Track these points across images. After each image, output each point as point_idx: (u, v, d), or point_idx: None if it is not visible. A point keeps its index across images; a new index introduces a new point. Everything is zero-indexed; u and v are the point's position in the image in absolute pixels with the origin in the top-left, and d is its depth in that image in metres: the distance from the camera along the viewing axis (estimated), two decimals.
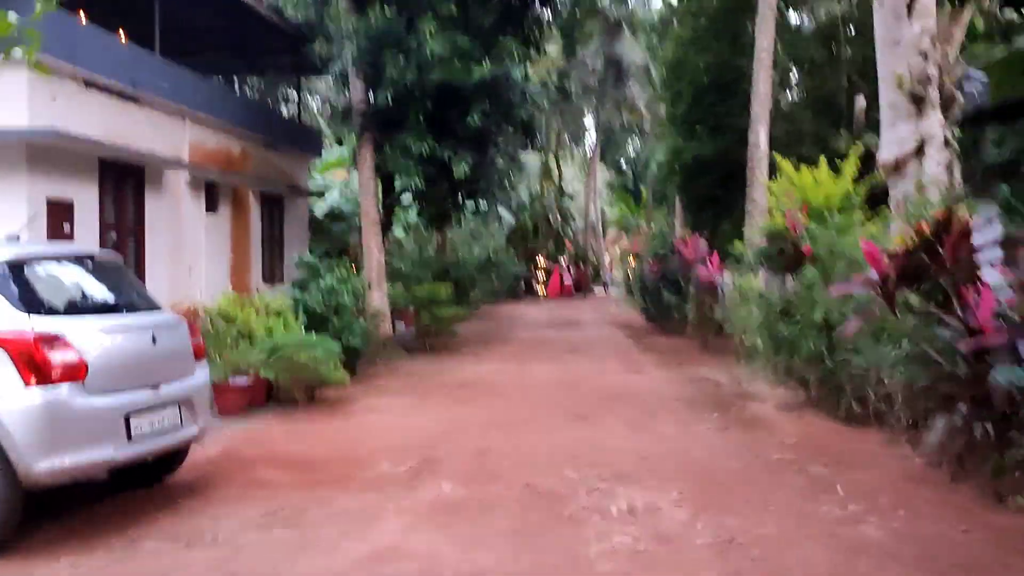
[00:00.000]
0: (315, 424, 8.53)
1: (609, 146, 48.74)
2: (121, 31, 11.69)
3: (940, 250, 6.03)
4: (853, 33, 18.37)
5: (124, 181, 11.64)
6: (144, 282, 11.77)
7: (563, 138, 44.90)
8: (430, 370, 12.76)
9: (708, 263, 15.15)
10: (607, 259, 50.35)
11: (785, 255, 8.81)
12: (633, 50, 37.06)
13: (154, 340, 5.35)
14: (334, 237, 22.58)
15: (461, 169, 13.94)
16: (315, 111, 36.05)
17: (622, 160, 55.01)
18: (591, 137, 48.84)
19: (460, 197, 16.19)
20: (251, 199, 15.43)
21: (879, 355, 6.44)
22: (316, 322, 10.88)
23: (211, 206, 13.98)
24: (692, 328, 16.46)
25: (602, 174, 49.53)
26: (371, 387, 10.97)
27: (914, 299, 6.50)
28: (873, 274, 6.28)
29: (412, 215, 22.18)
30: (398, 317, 18.87)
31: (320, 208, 23.23)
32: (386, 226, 16.27)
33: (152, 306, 5.76)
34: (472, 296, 23.42)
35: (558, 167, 40.52)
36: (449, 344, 15.94)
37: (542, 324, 22.24)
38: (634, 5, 37.78)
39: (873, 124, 17.76)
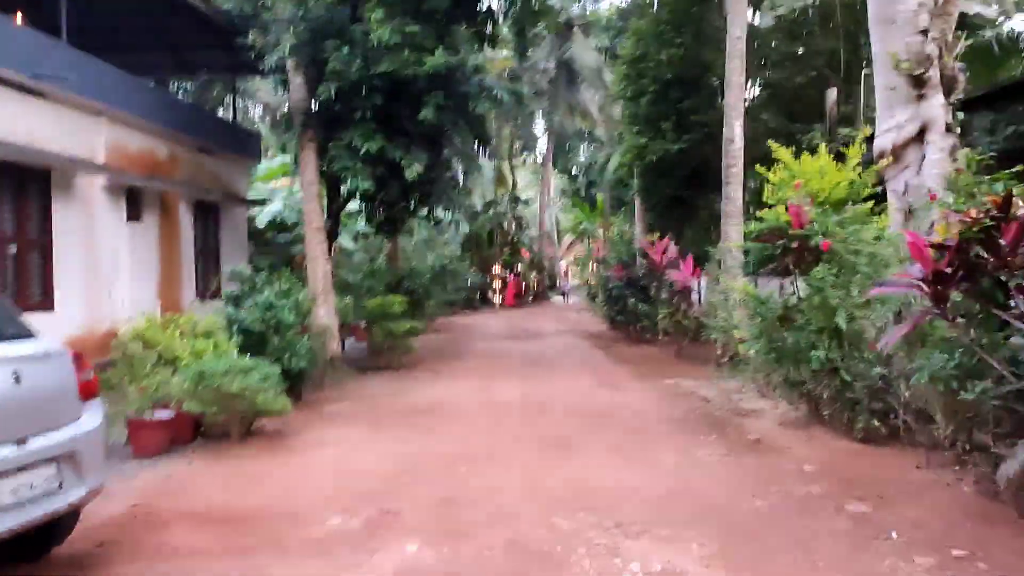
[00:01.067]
0: (250, 464, 7.20)
1: (561, 152, 47.94)
2: (19, 15, 10.20)
3: (999, 241, 5.03)
4: (818, 24, 17.70)
5: (25, 186, 10.15)
6: (52, 302, 10.30)
7: (516, 144, 43.96)
8: (384, 392, 11.47)
9: (681, 267, 14.15)
10: (563, 266, 49.48)
11: (789, 253, 7.77)
12: (585, 52, 36.29)
13: (17, 379, 4.02)
14: (278, 248, 21.12)
15: (413, 170, 12.69)
16: (255, 117, 34.44)
17: (574, 167, 54.34)
18: (543, 143, 48.01)
19: (412, 201, 14.90)
20: (182, 207, 13.97)
21: (928, 366, 5.39)
22: (253, 343, 9.53)
23: (134, 215, 12.51)
24: (664, 336, 15.44)
25: (555, 181, 48.71)
26: (318, 415, 9.65)
27: (959, 299, 5.49)
28: (917, 271, 5.25)
29: (361, 223, 20.83)
30: (348, 332, 17.52)
31: (263, 217, 21.78)
32: (332, 234, 14.91)
33: (18, 333, 4.42)
34: (427, 308, 22.11)
35: (512, 173, 39.46)
36: (404, 361, 14.64)
37: (502, 335, 21.05)
38: (587, 4, 37.09)
39: (845, 118, 17.11)
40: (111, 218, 11.78)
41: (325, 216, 14.56)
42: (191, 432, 7.93)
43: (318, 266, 13.16)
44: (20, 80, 9.82)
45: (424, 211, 15.49)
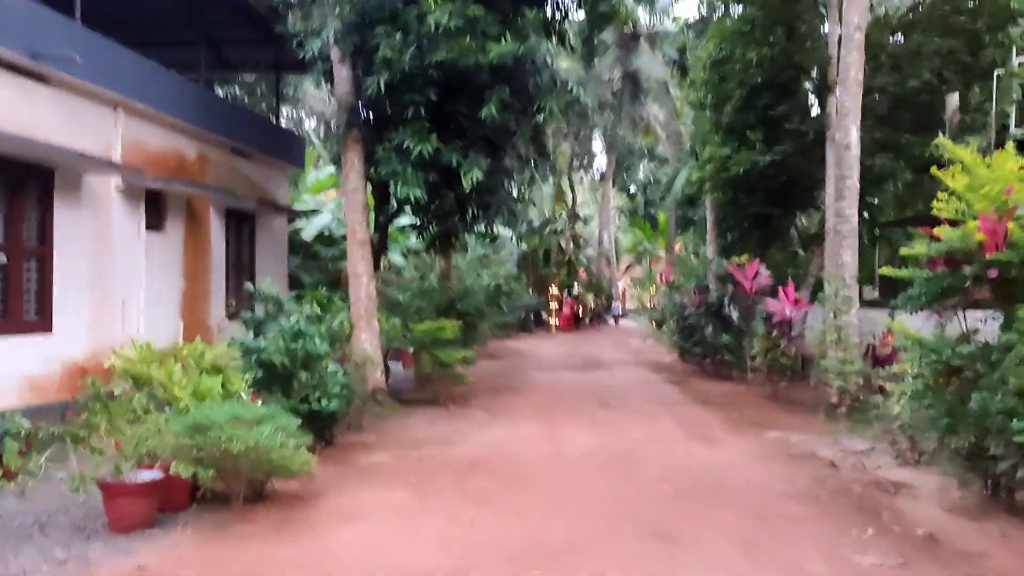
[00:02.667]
0: (254, 549, 5.44)
1: (619, 170, 46.09)
2: None
3: None
4: (931, 21, 15.51)
5: (21, 185, 8.67)
6: (50, 323, 8.78)
7: (575, 160, 42.20)
8: (432, 436, 9.68)
9: (783, 295, 12.12)
10: (620, 289, 47.39)
11: (981, 284, 5.77)
12: (652, 65, 34.45)
13: None
14: (325, 263, 19.63)
15: (472, 177, 10.95)
16: (308, 128, 33.35)
17: (633, 185, 52.41)
18: (602, 160, 46.21)
19: (469, 214, 13.15)
20: (212, 215, 12.46)
21: None
22: (275, 379, 7.85)
23: (155, 222, 11.02)
24: (755, 373, 13.34)
25: (614, 199, 46.80)
26: (351, 467, 7.89)
27: None
28: None
29: (412, 239, 19.23)
30: (394, 357, 15.86)
31: (311, 230, 20.34)
32: (380, 249, 13.26)
33: None
34: (481, 331, 20.36)
35: (571, 189, 37.67)
36: (455, 394, 12.85)
37: (562, 364, 19.15)
38: (653, 17, 35.27)
39: (968, 127, 14.91)
40: (127, 225, 10.28)
41: (372, 228, 12.95)
42: (186, 495, 6.22)
43: (361, 285, 11.48)
44: (16, 60, 8.36)
45: (482, 225, 13.72)
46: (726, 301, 16.60)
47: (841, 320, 10.46)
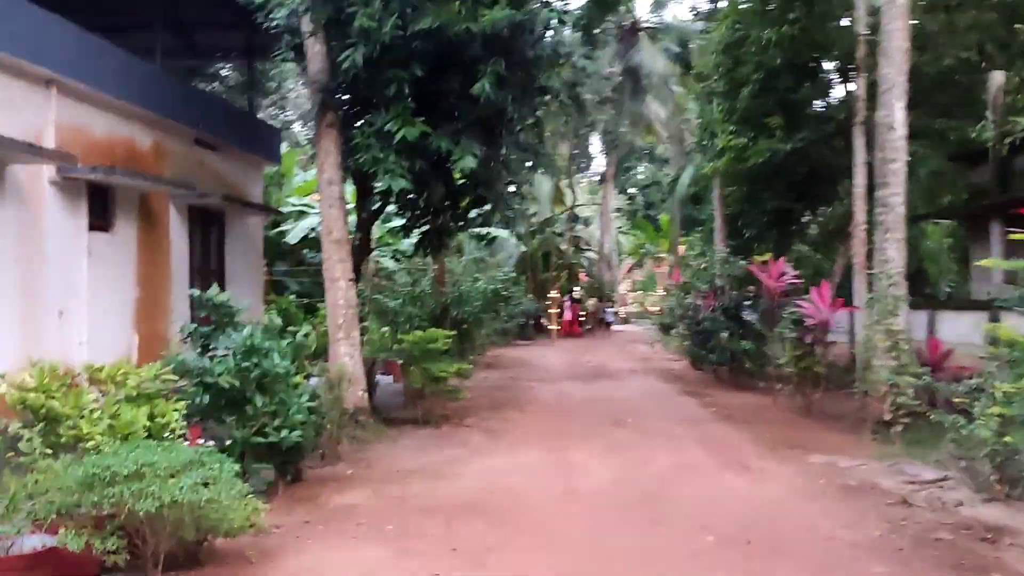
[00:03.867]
0: None
1: (620, 171, 44.75)
2: None
3: None
4: None
5: None
6: None
7: (574, 163, 40.80)
8: (420, 467, 8.25)
9: (816, 296, 10.73)
10: (622, 292, 45.95)
11: None
12: (653, 59, 33.13)
13: None
14: (312, 269, 18.21)
15: (465, 165, 9.55)
16: (295, 128, 31.94)
17: (632, 187, 51.13)
18: (601, 162, 44.86)
19: (462, 209, 11.72)
20: (171, 213, 11.03)
21: None
22: (225, 405, 6.44)
23: (101, 222, 9.57)
24: (784, 383, 11.89)
25: (614, 201, 45.40)
26: (318, 513, 6.46)
27: None
28: None
29: (405, 241, 17.81)
30: (385, 370, 14.44)
31: (297, 233, 18.99)
32: (362, 250, 11.84)
33: None
34: (478, 340, 18.94)
35: (572, 189, 36.27)
36: (449, 411, 11.44)
37: (566, 374, 17.71)
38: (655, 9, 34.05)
39: (1012, 108, 13.52)
40: (64, 223, 8.85)
41: (355, 227, 11.54)
42: (94, 565, 4.79)
43: (338, 290, 10.06)
44: None
45: (477, 223, 12.30)
46: (744, 303, 15.19)
47: (893, 323, 9.05)
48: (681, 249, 34.09)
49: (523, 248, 29.57)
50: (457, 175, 10.66)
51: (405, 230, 12.20)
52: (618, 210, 47.75)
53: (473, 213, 11.93)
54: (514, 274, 25.20)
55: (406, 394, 12.04)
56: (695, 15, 28.59)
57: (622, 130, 35.35)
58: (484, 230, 14.98)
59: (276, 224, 19.34)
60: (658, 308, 31.38)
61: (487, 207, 11.55)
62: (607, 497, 7.02)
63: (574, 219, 36.16)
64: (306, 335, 7.30)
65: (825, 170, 15.00)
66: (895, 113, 9.84)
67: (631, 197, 50.63)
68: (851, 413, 10.46)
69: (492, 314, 20.11)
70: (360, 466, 8.27)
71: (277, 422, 6.58)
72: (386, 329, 14.13)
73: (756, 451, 8.89)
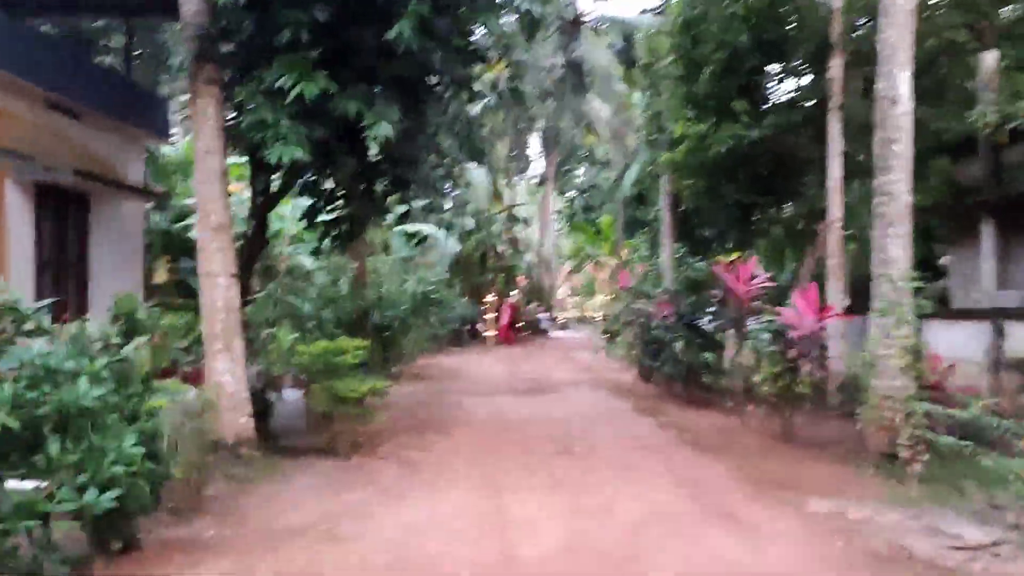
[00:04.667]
0: None
1: (559, 172, 43.27)
2: None
3: None
4: None
5: None
6: None
7: (512, 162, 39.04)
8: (309, 521, 6.22)
9: (799, 302, 9.07)
10: (561, 296, 44.36)
11: None
12: (595, 53, 31.67)
13: None
14: None
15: (379, 131, 7.55)
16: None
17: (571, 189, 49.81)
18: (541, 164, 43.25)
19: (378, 190, 9.68)
20: (8, 191, 8.77)
21: None
22: (7, 453, 4.33)
23: None
24: (755, 404, 10.22)
25: (554, 203, 43.81)
26: None
27: None
28: None
29: (321, 233, 15.62)
30: (295, 384, 12.30)
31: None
32: (256, 240, 9.71)
33: None
34: (403, 347, 16.90)
35: (511, 188, 34.45)
36: (360, 436, 9.39)
37: (504, 387, 15.77)
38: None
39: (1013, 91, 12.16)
40: None
41: (249, 213, 9.44)
42: None
43: (216, 290, 7.94)
44: None
45: (398, 207, 10.29)
46: (703, 310, 13.52)
47: (902, 336, 7.41)
48: (624, 252, 32.64)
49: (458, 248, 27.57)
50: (372, 149, 8.66)
51: (307, 217, 10.07)
52: (557, 212, 46.19)
53: (392, 200, 9.93)
54: (447, 276, 23.23)
55: (308, 417, 9.96)
56: (642, 12, 27.26)
57: (562, 126, 33.73)
58: (414, 227, 13.07)
59: (182, 216, 16.99)
60: (601, 314, 29.86)
61: (409, 190, 9.55)
62: (559, 570, 5.12)
63: (512, 220, 34.35)
64: (133, 354, 5.15)
65: (791, 161, 13.50)
66: (898, 85, 8.23)
67: (571, 200, 49.24)
68: (837, 440, 8.83)
69: (421, 319, 18.10)
70: (229, 521, 6.21)
71: (84, 477, 4.49)
72: (295, 336, 12.03)
73: (740, 492, 7.12)
